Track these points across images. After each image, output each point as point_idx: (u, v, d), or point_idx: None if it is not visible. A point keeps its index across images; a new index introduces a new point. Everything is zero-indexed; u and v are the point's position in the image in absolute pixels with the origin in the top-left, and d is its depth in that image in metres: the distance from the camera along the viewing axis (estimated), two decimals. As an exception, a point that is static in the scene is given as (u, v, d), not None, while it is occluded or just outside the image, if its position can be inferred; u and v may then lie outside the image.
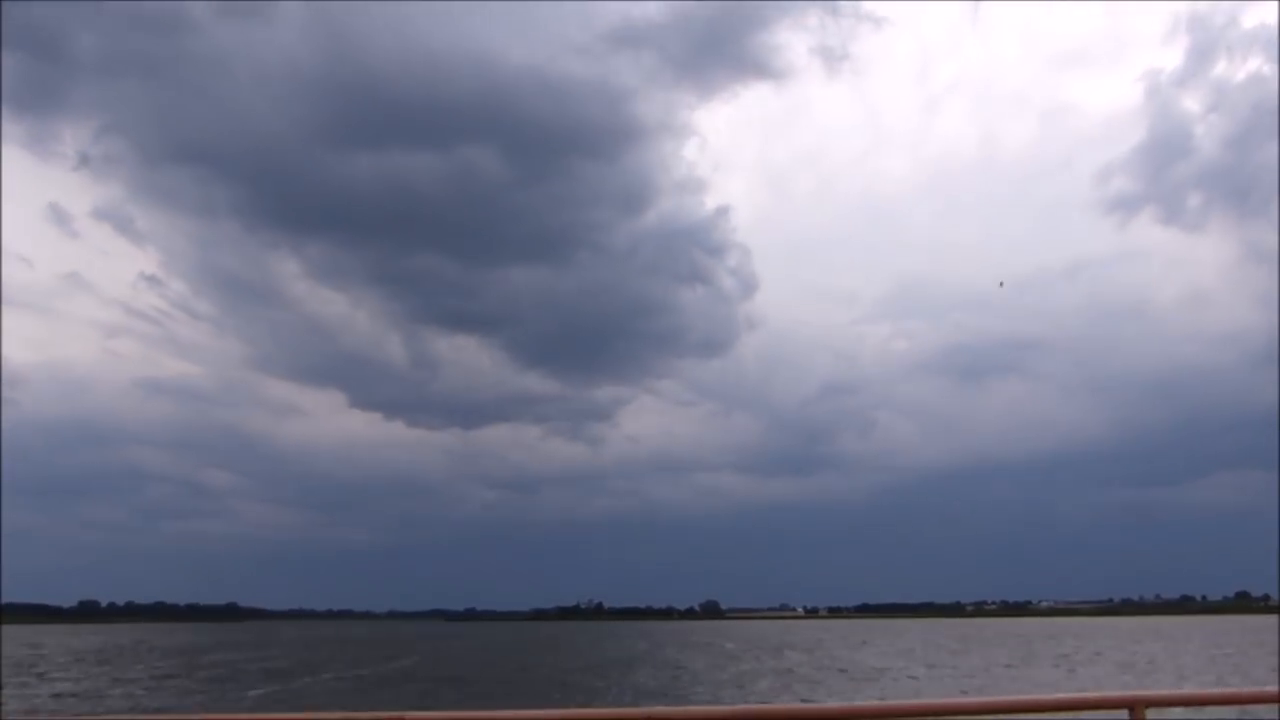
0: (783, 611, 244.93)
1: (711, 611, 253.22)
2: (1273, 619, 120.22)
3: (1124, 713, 3.85)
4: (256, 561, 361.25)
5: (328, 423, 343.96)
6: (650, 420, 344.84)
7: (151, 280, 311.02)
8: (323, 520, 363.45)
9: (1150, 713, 3.82)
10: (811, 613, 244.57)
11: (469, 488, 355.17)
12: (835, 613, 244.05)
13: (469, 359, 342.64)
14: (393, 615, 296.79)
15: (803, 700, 28.97)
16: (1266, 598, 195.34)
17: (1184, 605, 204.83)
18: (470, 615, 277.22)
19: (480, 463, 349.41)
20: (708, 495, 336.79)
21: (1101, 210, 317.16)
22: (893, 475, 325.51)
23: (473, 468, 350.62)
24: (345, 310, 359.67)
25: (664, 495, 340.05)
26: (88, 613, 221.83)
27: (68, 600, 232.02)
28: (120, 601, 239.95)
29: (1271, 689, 3.94)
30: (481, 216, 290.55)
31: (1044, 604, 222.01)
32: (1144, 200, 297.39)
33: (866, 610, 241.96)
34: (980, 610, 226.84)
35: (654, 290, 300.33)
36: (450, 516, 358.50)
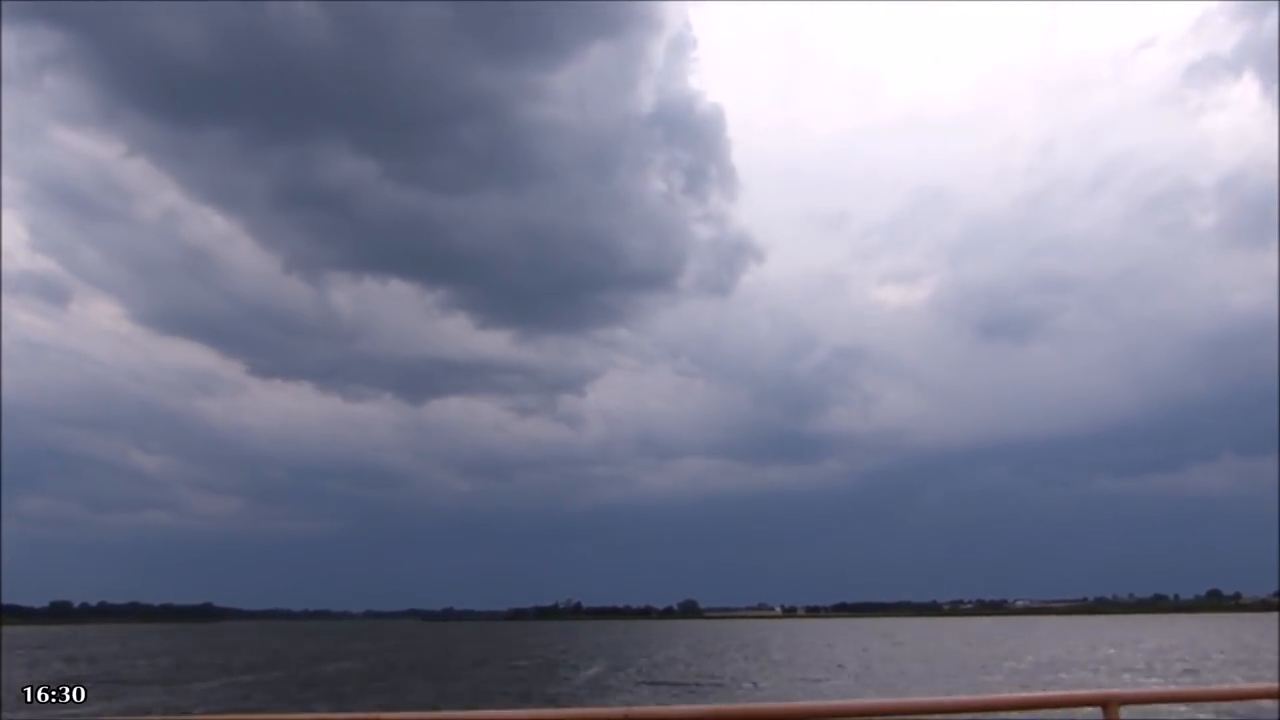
0: (761, 611, 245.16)
1: (690, 611, 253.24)
2: (1242, 617, 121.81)
3: (1097, 710, 3.91)
4: (225, 558, 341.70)
5: (257, 397, 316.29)
6: (626, 393, 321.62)
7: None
8: (282, 512, 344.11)
9: (1124, 710, 3.87)
10: (789, 612, 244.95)
11: (438, 476, 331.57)
12: (813, 612, 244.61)
13: (410, 311, 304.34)
14: (370, 615, 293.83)
15: (780, 699, 29.04)
16: (1237, 596, 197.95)
17: (1157, 604, 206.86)
18: (448, 615, 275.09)
19: (440, 443, 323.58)
20: (689, 484, 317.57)
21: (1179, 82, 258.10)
22: (886, 458, 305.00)
23: (433, 450, 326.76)
24: (245, 245, 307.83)
25: (645, 482, 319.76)
26: (60, 614, 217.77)
27: (38, 601, 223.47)
28: (93, 601, 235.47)
29: (1240, 685, 4.03)
30: (414, 101, 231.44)
31: (1020, 603, 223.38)
32: (1239, 62, 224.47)
33: (844, 609, 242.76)
34: (956, 609, 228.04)
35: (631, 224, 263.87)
36: (422, 508, 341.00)
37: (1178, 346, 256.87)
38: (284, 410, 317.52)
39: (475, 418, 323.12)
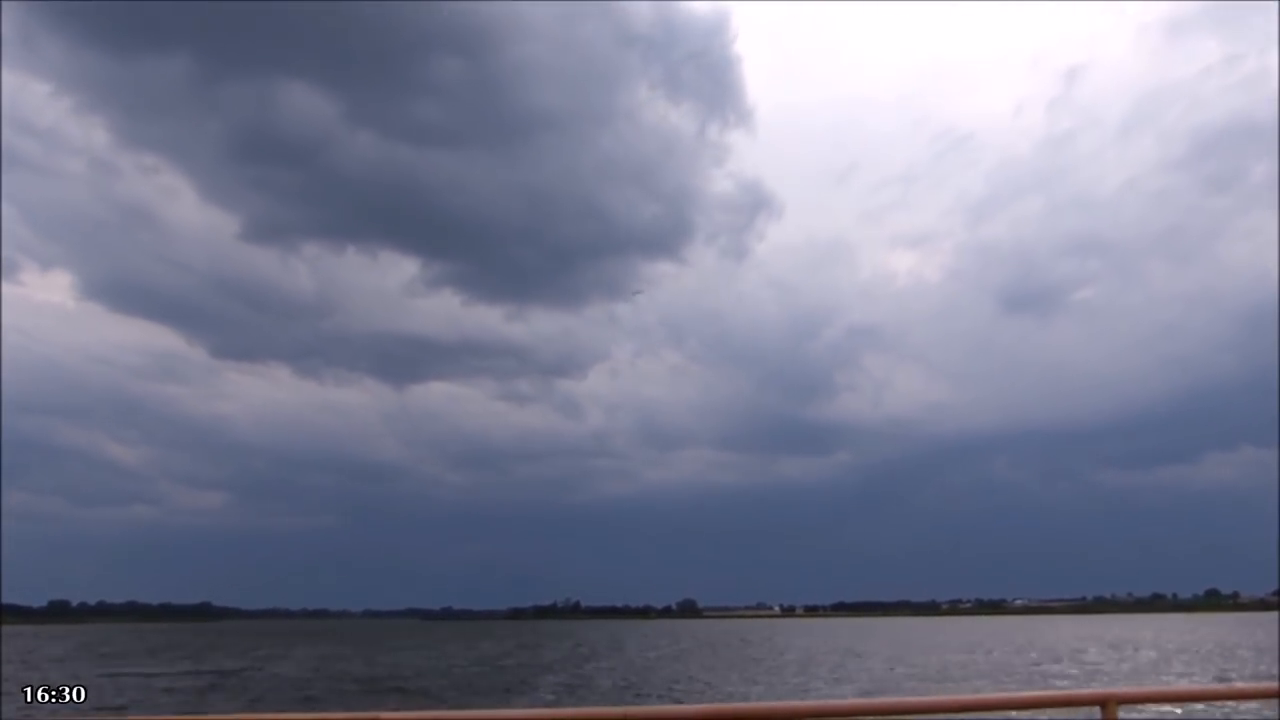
0: (760, 610, 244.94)
1: (689, 610, 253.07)
2: (1240, 617, 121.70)
3: (1095, 710, 3.92)
4: (220, 556, 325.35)
5: (230, 381, 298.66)
6: (626, 378, 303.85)
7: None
8: (272, 508, 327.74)
9: (1121, 710, 3.89)
10: (788, 611, 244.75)
11: (431, 469, 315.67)
12: (811, 611, 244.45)
13: (381, 283, 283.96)
14: (369, 614, 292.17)
15: (776, 698, 29.02)
16: (1236, 595, 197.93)
17: (1155, 603, 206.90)
18: (447, 615, 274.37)
19: (431, 433, 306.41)
20: (691, 478, 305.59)
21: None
22: (892, 449, 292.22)
23: (423, 440, 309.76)
24: (207, 211, 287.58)
25: (645, 476, 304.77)
26: (59, 613, 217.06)
27: (37, 600, 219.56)
28: (91, 601, 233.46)
29: (1239, 685, 4.04)
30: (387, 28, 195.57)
31: (1019, 602, 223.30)
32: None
33: (842, 609, 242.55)
34: (955, 609, 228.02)
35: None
36: (416, 503, 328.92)
37: (1214, 322, 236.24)
38: (260, 397, 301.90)
39: (468, 405, 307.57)
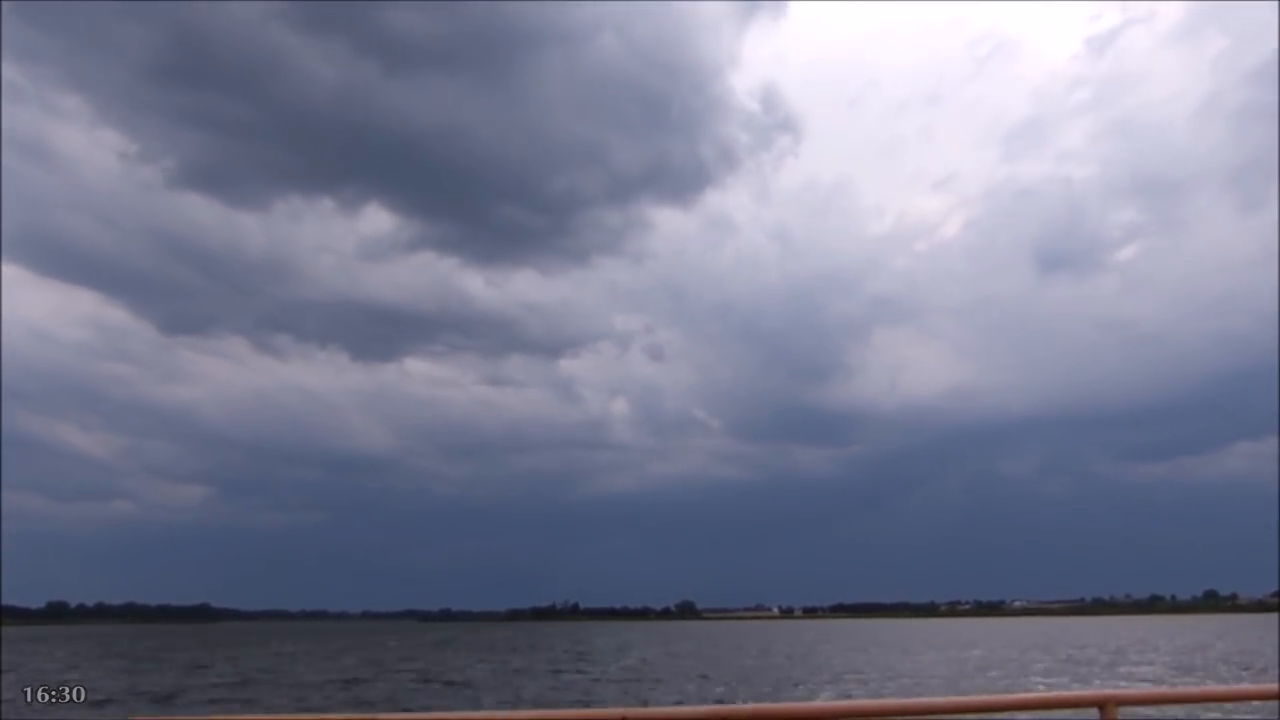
0: (758, 611, 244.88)
1: (687, 611, 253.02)
2: (1239, 618, 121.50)
3: (1094, 711, 3.92)
4: (215, 556, 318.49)
5: (186, 359, 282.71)
6: (619, 363, 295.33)
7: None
8: (257, 503, 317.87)
9: (1120, 711, 3.88)
10: (787, 613, 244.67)
11: (424, 461, 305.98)
12: (810, 613, 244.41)
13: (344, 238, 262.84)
14: (367, 616, 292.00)
15: (773, 700, 28.98)
16: (1234, 596, 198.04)
17: (1154, 605, 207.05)
18: (445, 616, 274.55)
19: (416, 421, 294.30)
20: (691, 471, 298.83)
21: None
22: (902, 442, 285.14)
23: (409, 427, 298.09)
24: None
25: (646, 470, 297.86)
26: (57, 614, 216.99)
27: (34, 601, 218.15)
28: (90, 602, 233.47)
29: (1238, 686, 4.05)
30: None
31: (1017, 604, 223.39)
32: None
33: (841, 610, 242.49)
34: (954, 610, 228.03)
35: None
36: (409, 499, 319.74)
37: (1270, 289, 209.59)
38: (223, 378, 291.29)
39: (459, 393, 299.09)
